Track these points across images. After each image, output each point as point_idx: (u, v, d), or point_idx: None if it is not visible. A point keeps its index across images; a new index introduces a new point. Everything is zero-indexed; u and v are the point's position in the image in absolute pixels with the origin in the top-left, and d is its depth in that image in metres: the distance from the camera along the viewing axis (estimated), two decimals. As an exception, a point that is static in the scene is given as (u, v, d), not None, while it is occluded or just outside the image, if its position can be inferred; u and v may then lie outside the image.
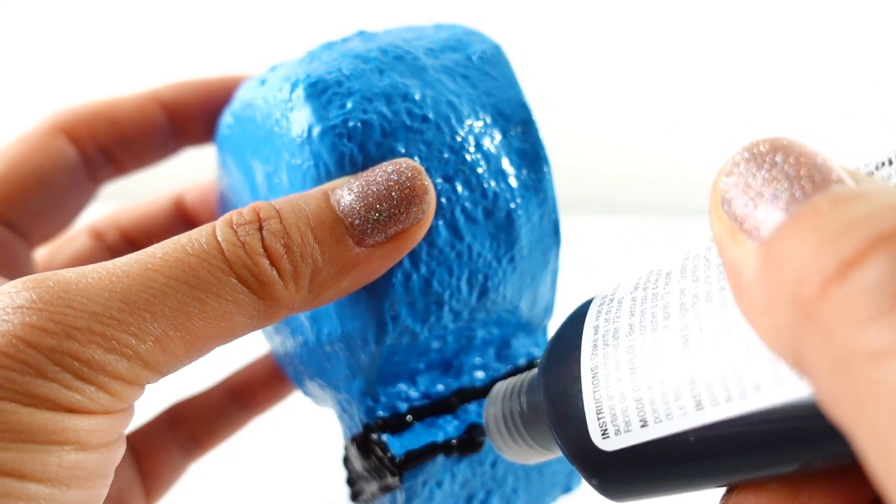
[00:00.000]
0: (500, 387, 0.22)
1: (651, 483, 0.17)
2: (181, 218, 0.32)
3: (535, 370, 0.20)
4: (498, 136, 0.23)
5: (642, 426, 0.16)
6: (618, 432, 0.17)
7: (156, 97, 0.29)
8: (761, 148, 0.14)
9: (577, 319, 0.19)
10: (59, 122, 0.28)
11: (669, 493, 0.17)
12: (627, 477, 0.17)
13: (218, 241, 0.19)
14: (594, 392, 0.17)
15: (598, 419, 0.17)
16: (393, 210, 0.20)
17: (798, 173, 0.14)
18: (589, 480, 0.18)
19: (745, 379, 0.14)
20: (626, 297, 0.18)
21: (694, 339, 0.16)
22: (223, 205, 0.29)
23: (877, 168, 0.15)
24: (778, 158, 0.14)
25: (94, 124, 0.28)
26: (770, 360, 0.14)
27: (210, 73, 0.29)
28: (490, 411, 0.21)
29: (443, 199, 0.22)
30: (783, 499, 0.15)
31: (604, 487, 0.17)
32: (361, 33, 0.25)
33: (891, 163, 0.15)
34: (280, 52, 0.29)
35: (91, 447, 0.18)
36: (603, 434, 0.17)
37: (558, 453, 0.20)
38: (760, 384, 0.14)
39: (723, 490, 0.16)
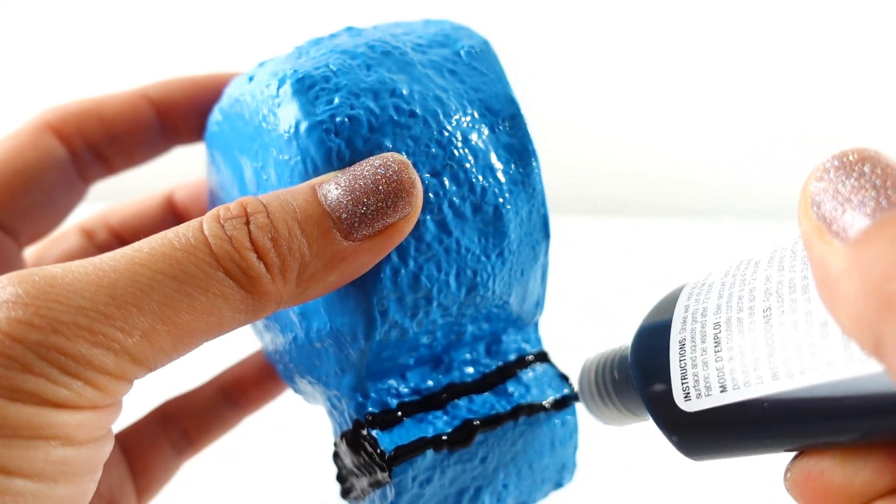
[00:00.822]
0: (593, 358, 0.24)
1: (724, 443, 0.19)
2: (172, 216, 0.32)
3: (627, 345, 0.23)
4: (486, 131, 0.23)
5: (721, 391, 0.18)
6: (699, 395, 0.19)
7: (145, 95, 0.29)
8: (851, 157, 0.16)
9: (669, 300, 0.21)
10: (48, 121, 0.27)
11: (740, 454, 0.19)
12: (704, 436, 0.19)
13: (205, 236, 0.19)
14: (680, 360, 0.19)
15: (682, 383, 0.19)
16: (380, 204, 0.20)
17: (884, 183, 0.15)
18: (669, 437, 0.20)
19: (819, 355, 0.16)
20: (715, 282, 0.20)
21: (776, 319, 0.18)
22: (213, 202, 0.29)
23: None
24: (866, 168, 0.16)
25: (84, 122, 0.28)
26: (843, 342, 0.16)
27: (199, 70, 0.29)
28: (584, 380, 0.24)
29: (430, 194, 0.22)
30: (841, 465, 0.17)
31: (682, 444, 0.20)
32: (349, 29, 0.25)
33: None
34: (269, 48, 0.29)
35: (78, 442, 0.18)
36: (685, 396, 0.19)
37: (645, 417, 0.22)
38: (832, 360, 0.16)
39: (790, 455, 0.18)
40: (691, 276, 0.22)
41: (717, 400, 0.18)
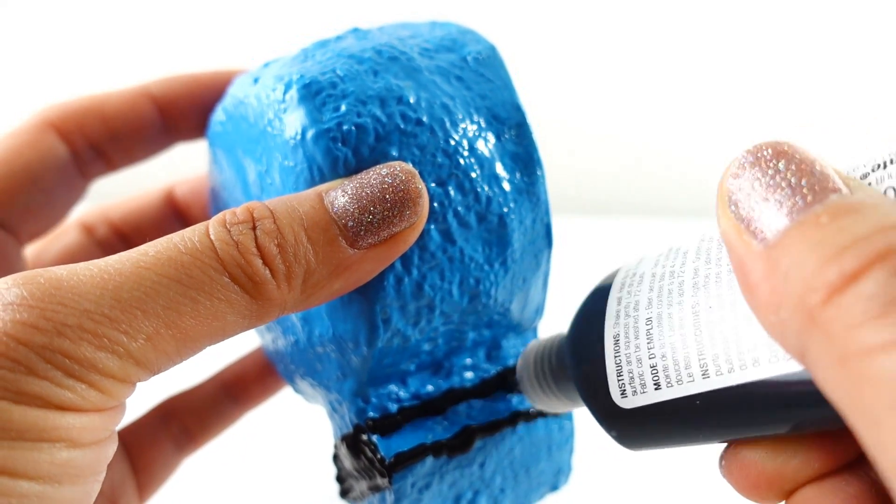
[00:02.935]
0: (532, 346, 0.24)
1: (662, 436, 0.19)
2: (172, 212, 0.32)
3: (564, 333, 0.23)
4: (492, 140, 0.23)
5: (656, 388, 0.19)
6: (634, 393, 0.19)
7: (146, 92, 0.28)
8: (765, 153, 0.16)
9: (602, 290, 0.21)
10: (48, 118, 0.27)
11: (677, 446, 0.20)
12: (642, 430, 0.20)
13: (211, 240, 0.19)
14: (615, 357, 0.20)
15: (619, 380, 0.19)
16: (386, 213, 0.20)
17: (799, 181, 0.15)
18: (609, 432, 0.20)
19: (746, 354, 0.17)
20: (647, 272, 0.20)
21: (703, 316, 0.18)
22: (215, 201, 0.29)
23: (872, 170, 0.17)
24: (781, 165, 0.16)
25: (84, 120, 0.28)
26: (768, 339, 0.16)
27: (202, 67, 0.29)
28: (524, 367, 0.24)
29: (436, 204, 0.22)
30: (773, 453, 0.18)
31: (621, 438, 0.20)
32: (356, 30, 0.24)
33: (884, 166, 0.16)
34: (273, 47, 0.29)
35: (83, 444, 0.18)
36: (622, 393, 0.19)
37: (582, 405, 0.22)
38: (759, 359, 0.17)
39: (723, 445, 0.19)
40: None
41: (652, 397, 0.19)
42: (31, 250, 0.30)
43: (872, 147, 0.17)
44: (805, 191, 0.15)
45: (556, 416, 0.26)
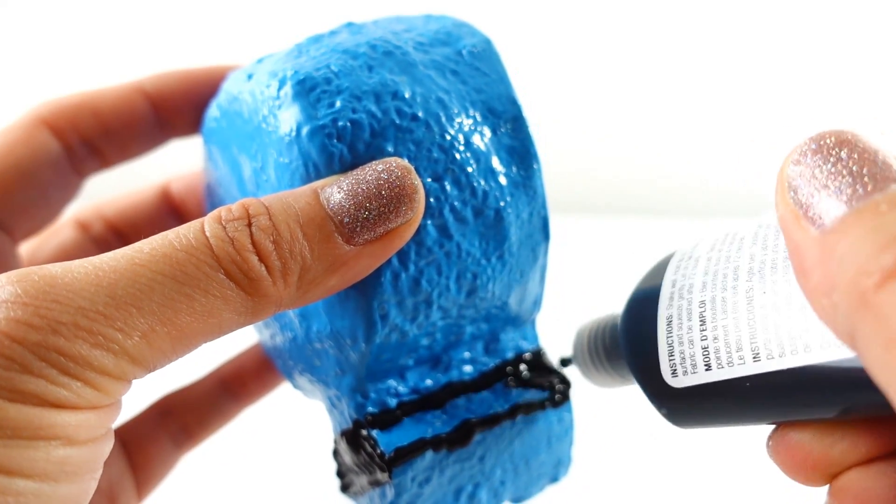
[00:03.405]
0: (586, 325, 0.25)
1: (710, 416, 0.20)
2: (168, 208, 0.32)
3: (618, 312, 0.23)
4: (488, 134, 0.23)
5: (706, 370, 0.19)
6: (685, 373, 0.20)
7: (140, 88, 0.28)
8: (828, 141, 0.16)
9: (657, 272, 0.22)
10: (41, 115, 0.27)
11: (725, 426, 0.20)
12: (691, 409, 0.20)
13: (206, 237, 0.19)
14: (668, 338, 0.20)
15: (670, 360, 0.20)
16: (383, 208, 0.20)
17: (861, 170, 0.15)
18: (659, 409, 0.21)
19: (798, 339, 0.17)
20: (702, 256, 0.21)
21: (757, 301, 0.18)
22: (210, 198, 0.28)
23: None
24: (843, 153, 0.16)
25: (78, 116, 0.27)
26: (820, 326, 0.17)
27: (195, 63, 0.29)
28: (578, 345, 0.25)
29: (432, 199, 0.22)
30: (820, 436, 0.18)
31: (671, 416, 0.21)
32: (350, 25, 0.24)
33: None
34: (267, 42, 0.28)
35: (79, 442, 0.18)
36: (673, 373, 0.20)
37: (634, 383, 0.22)
38: (810, 344, 0.17)
39: (770, 427, 0.20)
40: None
41: (702, 378, 0.19)
42: (25, 248, 0.30)
43: None
44: (866, 179, 0.15)
45: (555, 407, 0.26)
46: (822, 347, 0.17)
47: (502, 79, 0.24)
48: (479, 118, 0.23)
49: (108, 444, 0.19)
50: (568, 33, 0.63)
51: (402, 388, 0.24)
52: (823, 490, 0.19)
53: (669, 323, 0.20)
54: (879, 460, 0.18)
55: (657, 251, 0.23)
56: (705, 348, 0.19)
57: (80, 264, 0.18)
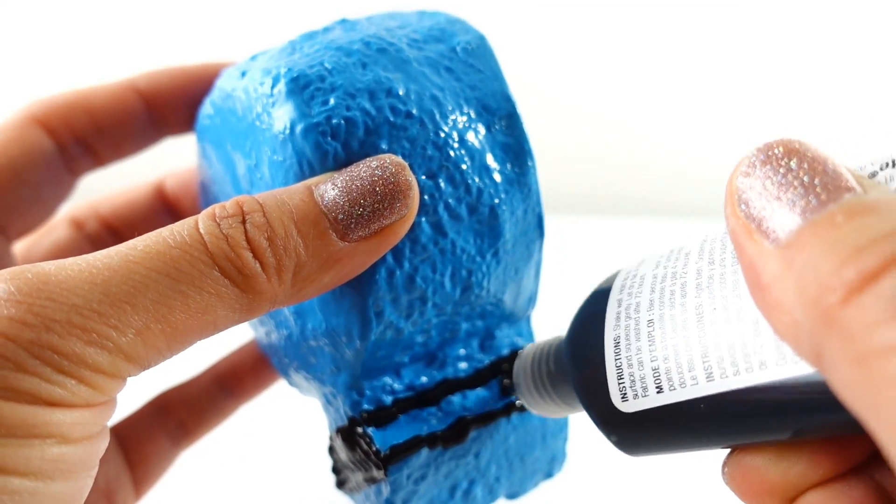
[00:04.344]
0: (529, 349, 0.24)
1: (663, 441, 0.19)
2: (162, 206, 0.32)
3: (562, 337, 0.22)
4: (482, 131, 0.23)
5: (658, 392, 0.18)
6: (636, 396, 0.19)
7: (133, 86, 0.28)
8: (776, 151, 0.16)
9: (602, 292, 0.21)
10: (34, 114, 0.27)
11: (679, 451, 0.19)
12: (643, 435, 0.19)
13: (200, 234, 0.19)
14: (616, 360, 0.19)
15: (619, 384, 0.19)
16: (377, 205, 0.20)
17: (812, 180, 0.15)
18: (608, 437, 0.20)
19: (753, 356, 0.16)
20: (647, 274, 0.20)
21: (708, 317, 0.18)
22: (205, 195, 0.28)
23: (881, 168, 0.16)
24: (793, 164, 0.15)
25: (70, 115, 0.27)
26: (775, 341, 0.16)
27: (189, 60, 0.29)
28: (520, 372, 0.24)
29: (426, 196, 0.22)
30: (776, 458, 0.18)
31: (621, 443, 0.20)
32: (343, 21, 0.24)
33: (893, 164, 0.16)
34: (261, 38, 0.28)
35: (74, 440, 0.18)
36: (622, 397, 0.19)
37: (581, 410, 0.21)
38: (766, 361, 0.16)
39: (725, 451, 0.19)
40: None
41: (654, 401, 0.18)
42: (20, 247, 0.30)
43: (878, 145, 0.17)
44: (818, 190, 0.15)
45: None
46: (779, 364, 0.16)
47: (496, 76, 0.23)
48: (473, 115, 0.23)
49: (104, 442, 0.19)
50: (564, 31, 0.63)
51: (397, 386, 0.24)
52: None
53: (617, 344, 0.19)
54: (838, 480, 0.18)
55: (655, 251, 0.23)
56: (656, 369, 0.18)
57: (73, 262, 0.18)
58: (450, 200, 0.22)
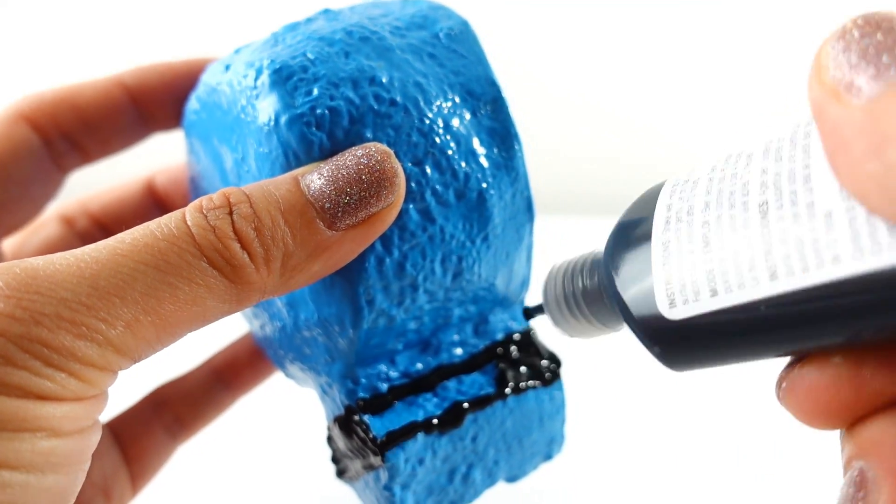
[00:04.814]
0: (559, 265, 0.22)
1: (714, 351, 0.17)
2: (152, 201, 0.32)
3: (598, 250, 0.21)
4: (467, 116, 0.23)
5: (712, 295, 0.16)
6: (686, 301, 0.17)
7: (120, 82, 0.28)
8: (876, 17, 0.15)
9: (648, 200, 0.19)
10: (20, 110, 0.27)
11: (729, 362, 0.17)
12: (691, 345, 0.17)
13: (188, 226, 0.19)
14: (664, 264, 0.17)
15: (667, 289, 0.17)
16: (363, 193, 0.20)
17: None
18: (650, 349, 0.18)
19: (825, 250, 0.15)
20: (702, 178, 0.18)
21: (774, 213, 0.16)
22: (195, 190, 0.28)
23: None
24: (893, 31, 0.14)
25: (57, 111, 0.27)
26: (850, 233, 0.14)
27: (175, 55, 0.29)
28: (550, 289, 0.22)
29: (413, 183, 0.22)
30: (847, 373, 0.16)
31: (665, 356, 0.18)
32: (326, 12, 0.24)
33: None
34: (245, 31, 0.28)
35: (65, 434, 0.18)
36: (671, 303, 0.17)
37: (618, 328, 0.20)
38: (840, 255, 0.14)
39: (783, 360, 0.17)
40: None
41: (706, 305, 0.16)
42: (9, 244, 0.30)
43: None
44: None
45: (546, 386, 0.26)
46: (855, 258, 0.14)
47: (480, 60, 0.23)
48: (457, 101, 0.23)
49: (96, 436, 0.19)
50: (551, 15, 0.62)
51: (392, 373, 0.25)
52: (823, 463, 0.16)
53: (666, 248, 0.17)
54: None
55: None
56: (710, 271, 0.16)
57: (61, 256, 0.18)
58: (437, 186, 0.22)
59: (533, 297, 0.27)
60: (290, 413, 0.39)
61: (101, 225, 0.32)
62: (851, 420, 0.16)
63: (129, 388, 0.27)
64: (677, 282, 0.17)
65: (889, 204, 0.13)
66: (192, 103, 0.26)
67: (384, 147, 0.21)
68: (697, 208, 0.17)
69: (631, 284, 0.18)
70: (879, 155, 0.13)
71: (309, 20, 0.24)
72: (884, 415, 0.15)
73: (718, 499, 0.36)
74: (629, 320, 0.18)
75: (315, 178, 0.20)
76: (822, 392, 0.16)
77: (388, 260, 0.22)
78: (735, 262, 0.16)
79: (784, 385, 0.17)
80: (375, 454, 0.23)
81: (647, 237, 0.18)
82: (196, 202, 0.20)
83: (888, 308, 0.14)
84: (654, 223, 0.18)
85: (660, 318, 0.17)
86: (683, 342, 0.17)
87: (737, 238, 0.16)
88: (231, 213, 0.20)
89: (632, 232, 0.19)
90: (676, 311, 0.17)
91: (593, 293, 0.21)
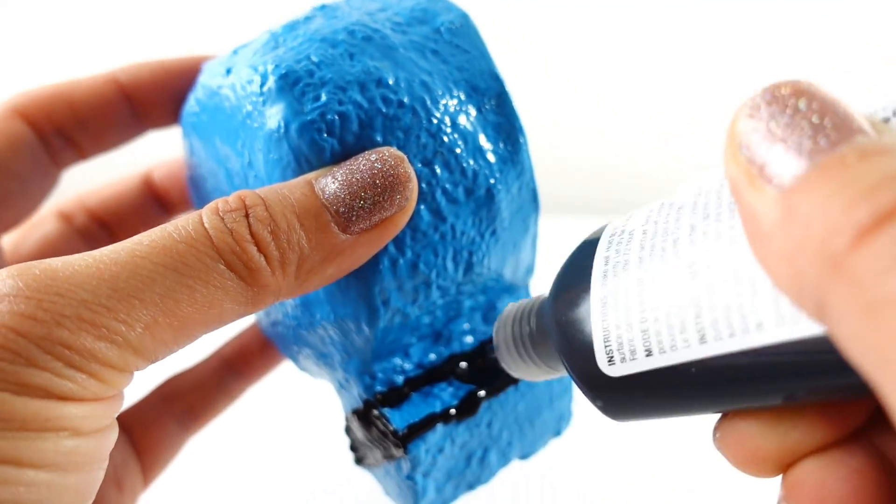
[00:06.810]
0: (510, 309, 0.23)
1: (651, 406, 0.18)
2: (151, 196, 0.32)
3: (545, 295, 0.21)
4: (473, 113, 0.23)
5: (647, 355, 0.17)
6: (623, 360, 0.17)
7: (114, 79, 0.28)
8: (783, 91, 0.14)
9: (588, 248, 0.20)
10: (15, 106, 0.27)
11: (667, 416, 0.18)
12: (630, 400, 0.18)
13: (205, 228, 0.19)
14: (603, 321, 0.18)
15: (606, 346, 0.18)
16: (377, 198, 0.21)
17: (822, 121, 0.14)
18: (594, 402, 0.19)
19: (749, 316, 0.15)
20: (636, 230, 0.18)
21: (701, 275, 0.16)
22: (197, 191, 0.28)
23: (893, 114, 0.15)
24: (801, 104, 0.14)
25: (52, 107, 0.27)
26: (773, 300, 0.15)
27: (170, 53, 0.28)
28: (500, 332, 0.23)
29: (423, 184, 0.22)
30: (772, 424, 0.17)
31: (607, 408, 0.19)
32: (323, 8, 0.24)
33: None
34: (241, 27, 0.28)
35: (85, 433, 0.18)
36: (609, 361, 0.18)
37: (563, 373, 0.21)
38: (763, 322, 0.15)
39: (716, 416, 0.18)
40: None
41: (642, 364, 0.17)
42: (7, 241, 0.30)
43: (891, 90, 0.16)
44: (829, 131, 0.13)
45: None
46: (777, 325, 0.14)
47: (483, 54, 0.23)
48: (463, 97, 0.23)
49: (114, 434, 0.20)
50: (557, 19, 0.60)
51: (407, 365, 0.25)
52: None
53: (604, 304, 0.18)
54: (834, 447, 0.16)
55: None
56: (645, 331, 0.17)
57: (80, 258, 0.18)
58: (447, 185, 0.22)
59: (537, 284, 0.28)
60: (301, 401, 0.39)
61: (100, 220, 0.31)
62: (781, 468, 0.17)
63: (139, 380, 0.27)
64: (615, 340, 0.17)
65: (803, 304, 0.14)
66: (192, 105, 0.25)
67: (397, 152, 0.21)
68: (632, 264, 0.18)
69: (572, 339, 0.19)
70: (793, 260, 0.13)
71: (307, 18, 0.23)
72: (807, 459, 0.17)
73: (722, 469, 0.37)
74: (572, 373, 0.19)
75: (329, 182, 0.21)
76: (750, 443, 0.17)
77: (401, 260, 0.22)
78: (668, 323, 0.16)
79: (718, 434, 0.18)
80: (397, 447, 0.24)
81: (586, 290, 0.19)
82: (212, 205, 0.20)
83: (812, 372, 0.15)
84: (592, 276, 0.19)
85: (600, 375, 0.18)
86: (624, 397, 0.18)
87: (668, 299, 0.16)
88: (247, 216, 0.20)
89: (573, 282, 0.19)
90: (615, 369, 0.18)
91: (541, 338, 0.21)
